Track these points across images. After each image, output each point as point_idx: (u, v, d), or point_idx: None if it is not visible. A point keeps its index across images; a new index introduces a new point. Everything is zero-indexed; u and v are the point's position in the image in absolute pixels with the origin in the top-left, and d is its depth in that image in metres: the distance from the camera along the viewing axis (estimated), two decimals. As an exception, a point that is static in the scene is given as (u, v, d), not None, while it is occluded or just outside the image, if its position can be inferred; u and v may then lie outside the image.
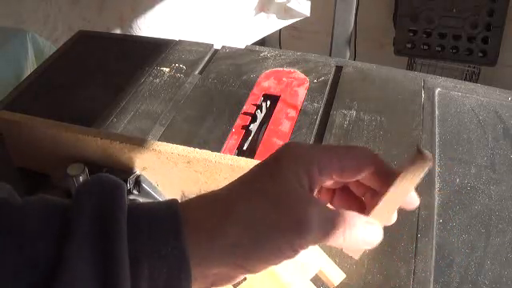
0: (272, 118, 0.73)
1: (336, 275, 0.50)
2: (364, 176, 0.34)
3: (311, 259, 0.48)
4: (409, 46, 1.93)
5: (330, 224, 0.31)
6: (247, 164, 0.52)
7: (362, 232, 0.33)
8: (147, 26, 1.44)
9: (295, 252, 0.31)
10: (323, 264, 0.49)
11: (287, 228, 0.30)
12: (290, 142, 0.34)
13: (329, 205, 0.37)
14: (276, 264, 0.31)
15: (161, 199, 0.58)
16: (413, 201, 0.35)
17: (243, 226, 0.30)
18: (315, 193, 0.34)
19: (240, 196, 0.31)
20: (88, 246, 0.28)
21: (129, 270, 0.28)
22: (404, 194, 0.35)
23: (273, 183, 0.31)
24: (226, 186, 0.33)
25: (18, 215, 0.29)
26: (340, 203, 0.38)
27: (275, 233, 0.30)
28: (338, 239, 0.32)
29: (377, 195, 0.35)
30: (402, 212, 0.61)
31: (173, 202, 0.32)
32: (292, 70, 0.83)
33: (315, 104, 0.76)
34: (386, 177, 0.35)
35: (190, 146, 0.56)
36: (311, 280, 0.49)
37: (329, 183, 0.35)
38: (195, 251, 0.30)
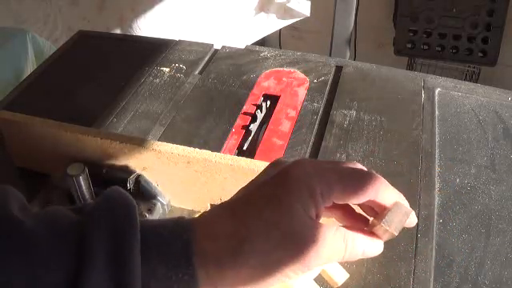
0: (272, 118, 0.73)
1: (339, 275, 0.50)
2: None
3: None
4: (409, 46, 1.93)
5: (334, 247, 0.34)
6: (247, 164, 0.52)
7: (361, 250, 0.35)
8: (147, 26, 1.44)
9: (299, 275, 0.33)
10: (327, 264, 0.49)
11: (297, 262, 0.32)
12: (296, 163, 0.34)
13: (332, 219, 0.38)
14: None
15: (161, 199, 0.58)
16: (412, 221, 0.36)
17: (254, 264, 0.32)
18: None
19: (251, 231, 0.32)
20: (103, 277, 0.29)
21: None
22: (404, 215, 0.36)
23: (283, 215, 0.32)
24: (234, 203, 0.34)
25: (30, 244, 0.30)
26: (343, 216, 0.38)
27: (285, 268, 0.32)
28: (339, 254, 0.34)
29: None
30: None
31: (186, 229, 0.32)
32: (292, 69, 0.83)
33: (315, 104, 0.76)
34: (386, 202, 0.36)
35: (190, 146, 0.56)
36: (314, 280, 0.49)
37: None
38: (205, 281, 0.31)
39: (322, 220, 0.35)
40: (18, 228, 0.30)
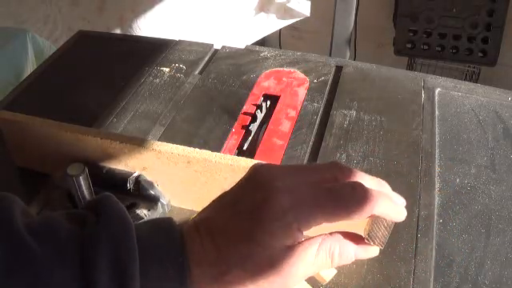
0: (272, 117, 0.73)
1: (327, 271, 0.49)
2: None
3: None
4: (409, 46, 1.93)
5: (318, 264, 0.35)
6: (247, 164, 0.52)
7: (351, 257, 0.37)
8: (147, 26, 1.44)
9: None
10: None
11: (277, 286, 0.34)
12: (272, 191, 0.35)
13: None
14: None
15: (161, 199, 0.58)
16: (399, 218, 0.37)
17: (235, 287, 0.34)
18: None
19: (229, 263, 0.34)
20: None
21: None
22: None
23: (257, 248, 0.34)
24: (214, 229, 0.35)
25: (33, 263, 0.31)
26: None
27: None
28: (327, 267, 0.36)
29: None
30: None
31: (181, 247, 0.34)
32: (292, 69, 0.83)
33: (315, 104, 0.76)
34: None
35: (190, 146, 0.56)
36: None
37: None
38: None
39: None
40: (23, 248, 0.31)
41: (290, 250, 0.34)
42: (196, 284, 0.34)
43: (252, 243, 0.34)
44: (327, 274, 0.49)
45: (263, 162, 0.40)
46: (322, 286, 0.50)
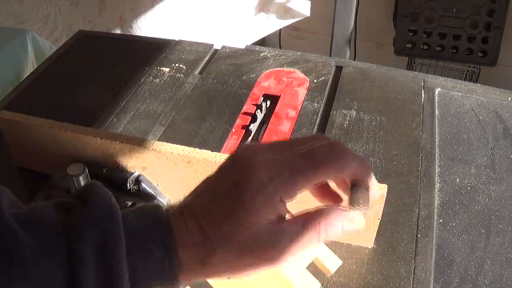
0: (272, 117, 0.73)
1: (332, 262, 0.48)
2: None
3: None
4: (409, 46, 1.93)
5: (304, 239, 0.34)
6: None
7: (338, 230, 0.35)
8: (147, 26, 1.44)
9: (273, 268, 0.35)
10: (319, 252, 0.48)
11: (263, 264, 0.34)
12: (250, 169, 0.35)
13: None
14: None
15: (161, 199, 0.58)
16: (375, 193, 0.38)
17: (223, 269, 0.35)
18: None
19: (214, 244, 0.34)
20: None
21: None
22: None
23: (241, 227, 0.34)
24: (198, 210, 0.35)
25: (21, 254, 0.31)
26: (320, 197, 0.39)
27: (253, 269, 0.35)
28: (314, 243, 0.35)
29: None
30: (402, 212, 0.61)
31: (167, 229, 0.34)
32: (292, 69, 0.83)
33: (315, 104, 0.76)
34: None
35: (189, 146, 0.56)
36: (308, 269, 0.48)
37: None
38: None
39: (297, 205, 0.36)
40: (13, 241, 0.31)
41: (274, 227, 0.34)
42: (184, 267, 0.34)
43: (235, 222, 0.34)
44: (332, 266, 0.48)
45: (247, 143, 0.40)
46: (327, 277, 0.49)
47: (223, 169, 0.37)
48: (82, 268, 0.31)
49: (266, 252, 0.34)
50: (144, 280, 0.33)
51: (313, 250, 0.48)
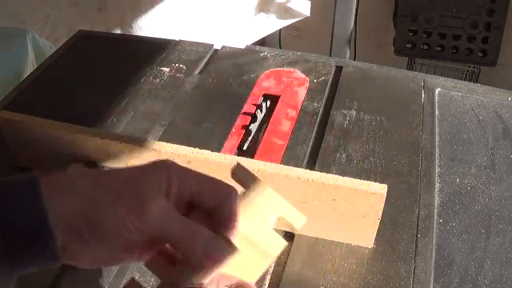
0: (272, 117, 0.73)
1: (297, 219, 0.43)
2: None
3: (267, 206, 0.44)
4: (409, 46, 1.93)
5: (171, 224, 0.34)
6: (247, 164, 0.52)
7: (201, 245, 0.34)
8: (147, 26, 1.44)
9: (131, 232, 0.34)
10: (282, 210, 0.45)
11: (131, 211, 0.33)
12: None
13: None
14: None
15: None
16: None
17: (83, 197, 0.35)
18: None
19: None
20: None
21: None
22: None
23: (129, 188, 0.34)
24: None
25: None
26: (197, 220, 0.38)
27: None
28: (173, 240, 0.34)
29: None
30: (402, 212, 0.61)
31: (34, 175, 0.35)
32: (292, 69, 0.83)
33: (315, 104, 0.76)
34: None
35: (189, 146, 0.56)
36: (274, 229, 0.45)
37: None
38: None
39: None
40: None
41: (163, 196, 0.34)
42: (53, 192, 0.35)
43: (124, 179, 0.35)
44: (298, 222, 0.43)
45: None
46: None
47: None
48: None
49: (136, 197, 0.34)
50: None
51: (274, 210, 0.45)
